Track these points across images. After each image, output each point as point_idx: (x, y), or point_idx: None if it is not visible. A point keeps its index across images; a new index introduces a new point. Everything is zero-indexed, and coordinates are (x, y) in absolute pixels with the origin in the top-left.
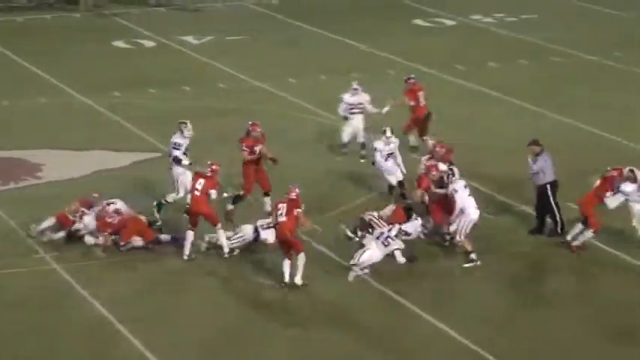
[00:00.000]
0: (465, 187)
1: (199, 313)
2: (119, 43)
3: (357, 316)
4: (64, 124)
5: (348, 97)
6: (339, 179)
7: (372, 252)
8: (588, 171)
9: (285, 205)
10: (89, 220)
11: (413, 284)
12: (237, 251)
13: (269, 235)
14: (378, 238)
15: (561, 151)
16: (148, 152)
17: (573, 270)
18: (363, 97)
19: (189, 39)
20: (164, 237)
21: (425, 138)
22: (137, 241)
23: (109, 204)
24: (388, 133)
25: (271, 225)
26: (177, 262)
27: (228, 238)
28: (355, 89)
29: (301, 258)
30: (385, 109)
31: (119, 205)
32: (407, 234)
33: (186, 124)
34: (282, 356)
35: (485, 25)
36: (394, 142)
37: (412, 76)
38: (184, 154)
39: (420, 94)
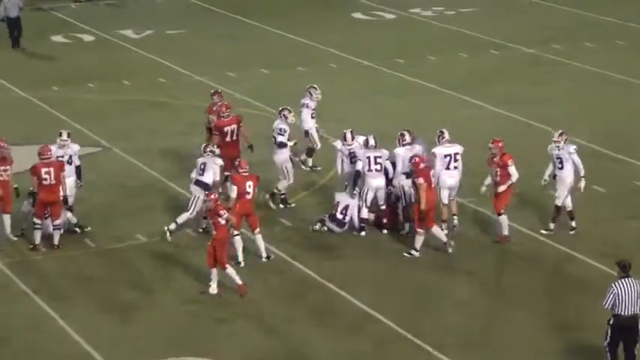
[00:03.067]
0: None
1: (142, 310)
2: (58, 38)
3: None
4: (2, 118)
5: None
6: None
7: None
8: (526, 163)
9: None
10: None
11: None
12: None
13: None
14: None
15: None
16: (88, 147)
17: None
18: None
19: (129, 33)
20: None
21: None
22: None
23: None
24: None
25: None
26: (117, 258)
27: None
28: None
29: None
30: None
31: (70, 150)
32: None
33: (289, 110)
34: (225, 351)
35: (425, 19)
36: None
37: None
38: (288, 140)
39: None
